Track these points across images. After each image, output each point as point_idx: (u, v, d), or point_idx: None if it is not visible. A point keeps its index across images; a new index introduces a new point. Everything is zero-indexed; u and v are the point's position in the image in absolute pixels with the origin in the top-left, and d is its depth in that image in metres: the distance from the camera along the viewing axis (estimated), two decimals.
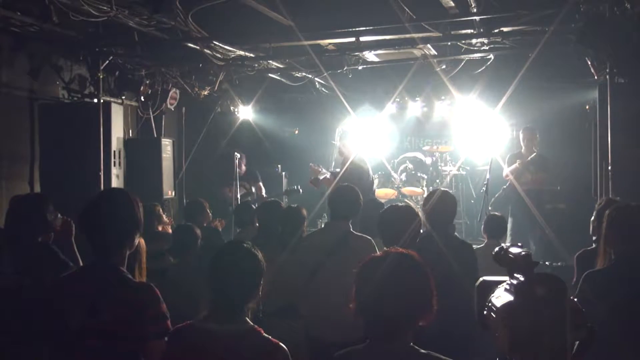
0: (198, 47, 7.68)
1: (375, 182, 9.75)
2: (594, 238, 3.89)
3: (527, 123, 10.11)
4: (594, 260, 3.50)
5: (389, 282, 2.13)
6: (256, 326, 2.55)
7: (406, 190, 9.89)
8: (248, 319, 2.57)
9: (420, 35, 7.21)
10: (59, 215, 4.01)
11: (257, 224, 5.92)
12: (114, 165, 7.83)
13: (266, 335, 2.52)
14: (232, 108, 10.93)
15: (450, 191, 10.10)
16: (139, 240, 3.37)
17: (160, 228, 6.17)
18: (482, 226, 6.03)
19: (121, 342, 2.53)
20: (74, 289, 2.60)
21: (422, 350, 2.12)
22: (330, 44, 8.23)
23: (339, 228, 4.50)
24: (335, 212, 4.63)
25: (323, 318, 4.30)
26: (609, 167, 6.43)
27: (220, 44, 7.80)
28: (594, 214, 3.99)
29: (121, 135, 8.08)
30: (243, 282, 2.57)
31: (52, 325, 2.60)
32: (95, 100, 7.91)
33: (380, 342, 2.13)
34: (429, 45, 7.91)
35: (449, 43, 7.82)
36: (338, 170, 7.53)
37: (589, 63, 7.35)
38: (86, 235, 2.74)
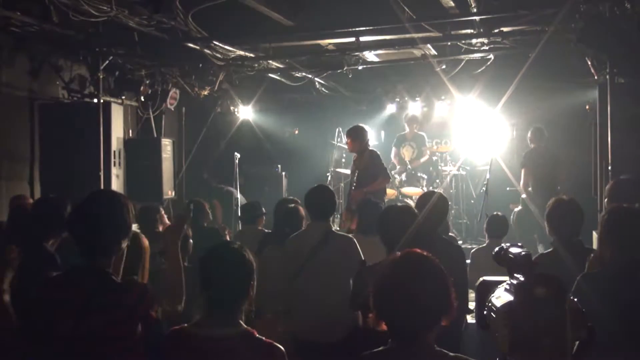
0: (198, 47, 7.68)
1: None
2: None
3: (527, 123, 10.11)
4: (550, 265, 3.54)
5: (409, 284, 2.10)
6: (249, 328, 2.53)
7: (406, 190, 9.89)
8: (241, 321, 2.54)
9: (420, 35, 7.21)
10: None
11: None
12: (114, 165, 7.82)
13: (259, 336, 2.50)
14: (232, 108, 10.93)
15: (451, 191, 10.33)
16: (143, 241, 3.37)
17: (161, 228, 6.17)
18: (484, 226, 6.03)
19: (111, 344, 2.52)
20: (61, 293, 2.56)
21: (450, 353, 2.11)
22: (330, 44, 8.23)
23: (320, 228, 4.55)
24: (314, 214, 4.70)
25: (307, 317, 4.34)
26: (609, 167, 6.43)
27: (220, 44, 7.80)
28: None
29: (121, 135, 8.08)
30: (232, 284, 2.54)
31: (40, 330, 2.58)
32: (95, 100, 7.90)
33: (404, 344, 2.11)
34: (429, 45, 7.91)
35: (449, 43, 7.82)
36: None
37: (589, 63, 7.36)
38: (73, 236, 2.71)
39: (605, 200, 4.75)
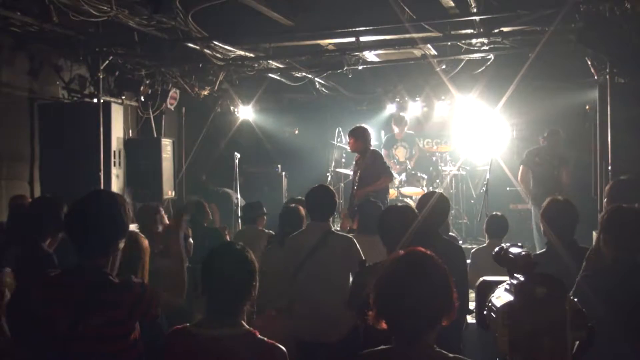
0: (198, 47, 7.68)
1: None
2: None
3: (527, 123, 10.12)
4: (544, 265, 3.55)
5: (411, 283, 2.09)
6: (251, 328, 2.53)
7: (406, 190, 9.89)
8: (243, 322, 2.54)
9: (420, 35, 7.21)
10: None
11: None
12: (114, 165, 7.82)
13: (261, 337, 2.50)
14: (232, 108, 10.94)
15: (451, 191, 10.33)
16: (143, 241, 3.37)
17: (161, 228, 6.17)
18: (484, 226, 6.04)
19: (109, 344, 2.52)
20: (58, 293, 2.56)
21: (450, 354, 2.11)
22: (330, 44, 8.23)
23: (319, 228, 4.56)
24: (314, 214, 4.71)
25: (306, 317, 4.34)
26: (609, 167, 6.43)
27: (220, 44, 7.80)
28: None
29: (121, 135, 8.08)
30: (234, 285, 2.53)
31: (40, 330, 2.57)
32: (95, 100, 7.91)
33: (405, 344, 2.11)
34: (429, 45, 7.91)
35: (449, 43, 7.82)
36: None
37: (589, 63, 7.36)
38: (70, 236, 2.71)
39: (605, 200, 4.75)
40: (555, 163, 8.20)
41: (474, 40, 7.66)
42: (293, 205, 5.50)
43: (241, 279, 2.55)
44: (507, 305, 1.77)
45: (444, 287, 2.12)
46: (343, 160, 10.43)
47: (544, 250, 4.02)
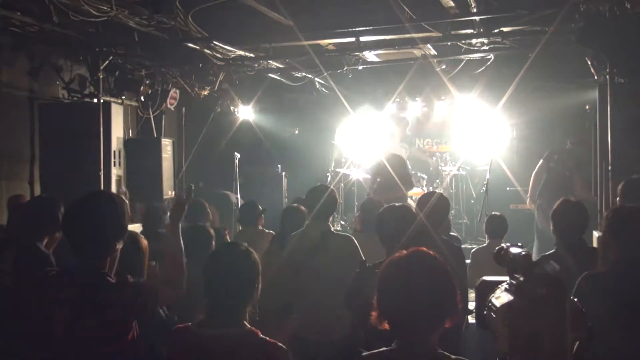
0: (198, 47, 7.68)
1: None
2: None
3: (527, 123, 10.12)
4: None
5: (413, 283, 2.08)
6: (253, 328, 2.53)
7: None
8: (246, 322, 2.54)
9: (420, 35, 7.21)
10: None
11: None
12: (114, 165, 7.82)
13: (263, 336, 2.50)
14: (232, 108, 10.94)
15: (451, 191, 10.33)
16: (142, 242, 3.37)
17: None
18: (484, 226, 6.04)
19: (106, 344, 2.52)
20: (55, 293, 2.56)
21: (452, 356, 2.10)
22: (330, 44, 8.23)
23: (319, 228, 4.58)
24: (313, 214, 4.69)
25: (306, 316, 4.36)
26: (609, 167, 6.43)
27: (220, 44, 7.80)
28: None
29: (121, 135, 8.07)
30: (237, 285, 2.53)
31: (37, 330, 2.57)
32: (95, 100, 7.91)
33: (407, 345, 2.10)
34: (429, 45, 7.90)
35: (449, 43, 7.82)
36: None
37: (589, 63, 7.36)
38: (68, 237, 2.71)
39: (617, 199, 4.76)
40: (569, 164, 8.22)
41: (474, 40, 7.66)
42: (295, 204, 5.50)
43: (244, 279, 2.55)
44: (507, 305, 1.77)
45: (447, 288, 2.11)
46: (343, 160, 10.42)
47: (553, 250, 4.02)
